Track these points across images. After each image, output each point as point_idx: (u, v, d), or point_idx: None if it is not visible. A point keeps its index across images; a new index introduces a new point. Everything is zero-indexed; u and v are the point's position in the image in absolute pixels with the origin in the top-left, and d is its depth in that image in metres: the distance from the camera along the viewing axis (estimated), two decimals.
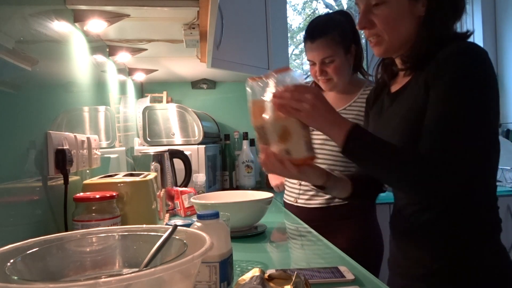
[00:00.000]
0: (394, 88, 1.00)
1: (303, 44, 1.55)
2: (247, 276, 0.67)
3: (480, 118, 0.79)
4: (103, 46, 1.67)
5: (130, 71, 2.20)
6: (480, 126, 0.79)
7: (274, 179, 1.80)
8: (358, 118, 1.42)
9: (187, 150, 1.93)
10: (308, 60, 1.52)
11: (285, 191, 1.66)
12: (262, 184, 2.58)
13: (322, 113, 0.86)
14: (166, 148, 1.84)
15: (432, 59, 0.84)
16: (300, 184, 1.54)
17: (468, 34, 0.89)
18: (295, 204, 1.55)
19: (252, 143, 2.44)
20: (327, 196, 1.47)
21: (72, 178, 1.11)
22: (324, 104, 0.87)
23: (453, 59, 0.80)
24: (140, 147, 2.11)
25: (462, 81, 0.79)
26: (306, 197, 1.52)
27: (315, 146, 1.48)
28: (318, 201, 1.49)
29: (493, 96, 0.83)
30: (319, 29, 1.46)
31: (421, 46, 0.88)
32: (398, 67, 0.99)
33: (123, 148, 1.88)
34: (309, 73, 1.61)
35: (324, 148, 1.47)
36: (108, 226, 0.96)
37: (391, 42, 0.91)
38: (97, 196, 1.00)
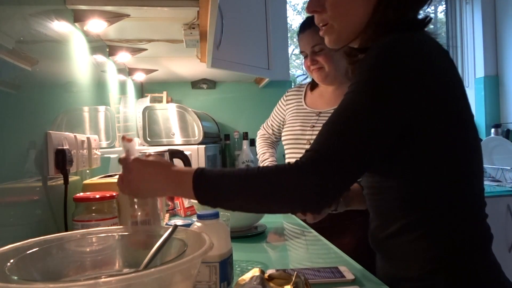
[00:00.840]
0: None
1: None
2: (247, 276, 0.67)
3: (369, 113, 0.66)
4: (103, 46, 1.67)
5: (130, 71, 2.20)
6: (359, 128, 0.66)
7: None
8: None
9: (187, 150, 1.93)
10: (301, 52, 1.54)
11: None
12: None
13: (146, 178, 0.74)
14: (166, 148, 1.84)
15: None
16: None
17: (426, 21, 0.78)
18: None
19: (252, 143, 2.44)
20: None
21: (72, 178, 1.11)
22: (145, 167, 0.76)
23: (367, 56, 0.70)
24: (140, 147, 2.11)
25: (363, 79, 0.68)
26: None
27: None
28: None
29: (393, 97, 0.67)
30: (308, 21, 1.49)
31: (369, 35, 0.77)
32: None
33: None
34: (308, 76, 1.61)
35: None
36: (108, 226, 0.96)
37: (341, 31, 0.80)
38: (97, 196, 1.00)
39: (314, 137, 1.49)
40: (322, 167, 0.65)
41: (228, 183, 0.69)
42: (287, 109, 1.68)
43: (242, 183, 0.69)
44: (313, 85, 1.64)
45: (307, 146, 1.53)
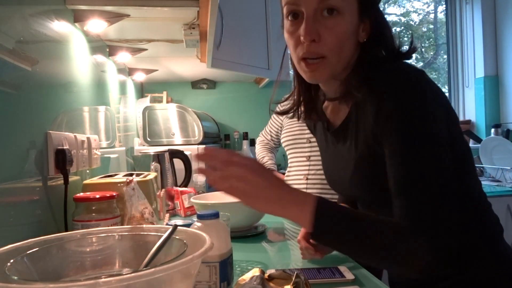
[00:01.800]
0: (333, 119, 0.86)
1: None
2: (247, 276, 0.67)
3: (441, 164, 0.66)
4: (103, 46, 1.67)
5: (130, 71, 2.20)
6: (443, 169, 0.65)
7: None
8: None
9: (187, 150, 1.93)
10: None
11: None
12: None
13: (264, 191, 0.67)
14: (166, 148, 1.84)
15: (367, 86, 0.72)
16: (307, 178, 1.54)
17: (410, 51, 0.77)
18: None
19: (252, 143, 2.44)
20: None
21: (72, 178, 1.11)
22: (265, 178, 0.68)
23: (391, 103, 0.67)
24: (140, 147, 2.11)
25: (408, 131, 0.66)
26: (315, 191, 1.52)
27: (301, 170, 1.50)
28: (329, 196, 1.49)
29: (442, 121, 0.68)
30: None
31: (360, 73, 0.74)
32: (325, 97, 0.86)
33: (123, 148, 1.88)
34: None
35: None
36: (108, 226, 0.96)
37: (335, 66, 0.74)
38: (97, 196, 1.00)
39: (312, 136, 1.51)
40: (435, 235, 0.63)
41: (348, 231, 0.66)
42: (284, 116, 1.70)
43: (361, 239, 0.65)
44: None
45: (306, 145, 1.56)
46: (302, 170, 1.56)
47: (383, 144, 0.70)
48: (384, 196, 0.70)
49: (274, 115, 1.80)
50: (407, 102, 0.67)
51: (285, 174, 1.69)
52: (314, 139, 1.50)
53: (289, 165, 1.66)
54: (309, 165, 1.54)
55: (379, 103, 0.68)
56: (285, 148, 1.67)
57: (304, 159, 1.56)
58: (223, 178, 0.71)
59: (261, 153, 1.85)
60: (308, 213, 0.66)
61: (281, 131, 1.73)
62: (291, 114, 0.93)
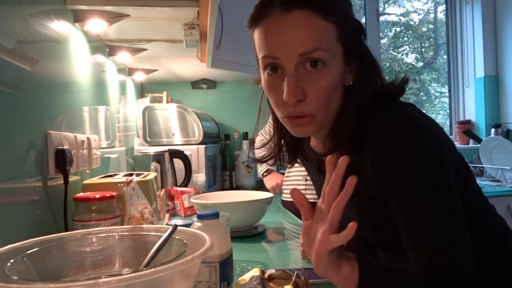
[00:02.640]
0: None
1: None
2: (247, 276, 0.67)
3: (451, 205, 0.64)
4: (103, 46, 1.67)
5: (130, 71, 2.20)
6: (454, 210, 0.64)
7: (270, 181, 1.80)
8: None
9: (187, 150, 1.93)
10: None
11: (286, 190, 1.66)
12: (262, 184, 2.58)
13: (324, 267, 0.62)
14: (166, 148, 1.84)
15: (360, 138, 0.67)
16: (306, 180, 1.54)
17: (402, 85, 0.72)
18: None
19: (252, 143, 2.44)
20: None
21: (72, 178, 1.11)
22: (324, 259, 0.61)
23: (390, 158, 0.64)
24: (140, 147, 2.11)
25: (413, 179, 0.63)
26: (314, 192, 1.52)
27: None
28: None
29: (446, 161, 0.65)
30: None
31: (348, 121, 0.69)
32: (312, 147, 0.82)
33: (123, 148, 1.88)
34: None
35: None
36: (108, 226, 0.96)
37: (324, 120, 0.70)
38: (97, 196, 1.00)
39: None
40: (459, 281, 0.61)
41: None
42: None
43: None
44: None
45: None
46: (301, 171, 1.56)
47: (387, 198, 0.67)
48: (392, 237, 0.68)
49: (269, 122, 1.79)
50: (406, 154, 0.63)
51: (285, 175, 1.69)
52: None
53: (289, 166, 1.66)
54: None
55: (378, 159, 0.65)
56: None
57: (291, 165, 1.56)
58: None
59: (260, 153, 1.85)
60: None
61: None
62: (271, 161, 0.87)
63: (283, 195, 1.68)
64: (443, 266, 0.62)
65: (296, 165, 1.61)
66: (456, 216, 0.63)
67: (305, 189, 1.54)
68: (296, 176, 1.60)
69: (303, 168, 1.59)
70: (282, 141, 0.84)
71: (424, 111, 0.73)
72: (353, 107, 0.69)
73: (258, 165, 1.84)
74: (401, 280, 0.63)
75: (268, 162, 1.80)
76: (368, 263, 0.64)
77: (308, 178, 1.54)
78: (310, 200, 1.70)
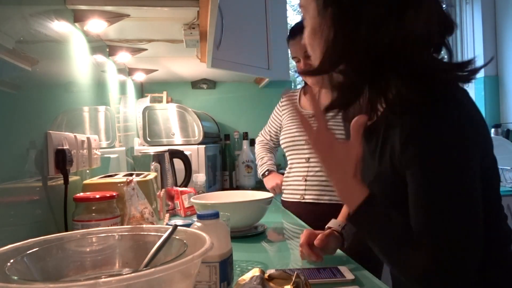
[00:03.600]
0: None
1: None
2: (247, 276, 0.67)
3: (470, 195, 0.64)
4: (103, 46, 1.67)
5: (130, 71, 2.20)
6: (470, 203, 0.64)
7: (269, 181, 1.79)
8: None
9: (187, 150, 1.93)
10: (293, 58, 1.58)
11: (286, 190, 1.66)
12: (262, 184, 2.59)
13: (330, 168, 0.72)
14: (166, 148, 1.84)
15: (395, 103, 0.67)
16: (305, 180, 1.53)
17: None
18: (302, 201, 1.54)
19: (252, 143, 2.44)
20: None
21: (72, 178, 1.11)
22: (330, 156, 0.71)
23: (422, 130, 0.64)
24: (140, 147, 2.11)
25: (436, 157, 0.64)
26: (314, 192, 1.52)
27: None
28: (328, 197, 1.49)
29: (474, 152, 0.66)
30: (298, 27, 1.53)
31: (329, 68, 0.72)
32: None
33: (123, 148, 1.88)
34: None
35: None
36: (108, 226, 0.96)
37: (315, 60, 0.77)
38: (97, 196, 1.00)
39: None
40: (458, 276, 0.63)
41: (378, 235, 0.69)
42: (283, 114, 1.72)
43: (387, 247, 0.68)
44: (305, 90, 1.66)
45: (305, 146, 1.55)
46: (301, 172, 1.55)
47: (406, 172, 0.67)
48: (400, 206, 0.69)
49: (273, 115, 1.80)
50: (438, 133, 0.63)
51: (284, 175, 1.69)
52: None
53: (288, 165, 1.66)
54: (308, 167, 1.53)
55: (407, 130, 0.65)
56: (284, 150, 1.66)
57: (303, 160, 1.55)
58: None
59: (260, 153, 1.85)
60: (352, 205, 0.69)
61: (280, 131, 1.73)
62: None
63: (283, 195, 1.68)
64: (445, 260, 0.62)
65: (296, 166, 1.61)
66: (473, 207, 0.63)
67: (305, 189, 1.54)
68: (295, 177, 1.59)
69: (303, 169, 1.60)
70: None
71: None
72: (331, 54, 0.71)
73: (258, 166, 1.84)
74: (395, 237, 0.66)
75: (268, 161, 1.80)
76: (375, 200, 0.69)
77: (308, 178, 1.54)
78: (309, 201, 1.71)
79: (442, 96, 0.65)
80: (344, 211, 1.05)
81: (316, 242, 0.89)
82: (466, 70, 0.69)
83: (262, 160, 1.81)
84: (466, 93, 0.70)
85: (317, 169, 1.50)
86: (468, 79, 0.70)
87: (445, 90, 0.66)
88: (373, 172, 0.76)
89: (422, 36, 0.68)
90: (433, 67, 0.69)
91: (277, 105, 1.79)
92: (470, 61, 0.70)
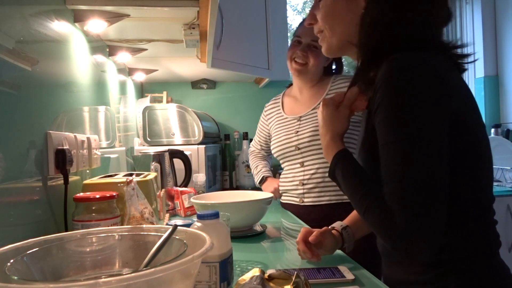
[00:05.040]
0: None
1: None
2: (247, 276, 0.67)
3: (433, 154, 0.65)
4: (103, 46, 1.67)
5: (130, 71, 2.20)
6: (435, 162, 0.65)
7: (267, 187, 1.78)
8: None
9: (187, 150, 1.93)
10: (295, 37, 1.56)
11: (284, 194, 1.65)
12: None
13: (322, 126, 0.86)
14: (166, 148, 1.84)
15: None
16: (303, 184, 1.53)
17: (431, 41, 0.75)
18: (301, 204, 1.54)
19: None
20: (336, 192, 1.46)
21: (72, 178, 1.11)
22: (324, 119, 0.86)
23: (385, 85, 0.68)
24: (140, 147, 2.12)
25: (398, 117, 0.67)
26: (313, 195, 1.51)
27: (305, 143, 1.51)
28: (327, 197, 1.48)
29: (440, 113, 0.67)
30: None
31: (361, 52, 0.78)
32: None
33: (123, 148, 1.88)
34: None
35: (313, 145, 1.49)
36: (108, 226, 0.96)
37: (330, 41, 0.84)
38: (97, 196, 1.00)
39: (300, 141, 1.52)
40: (420, 232, 0.64)
41: (348, 186, 0.77)
42: (269, 123, 1.72)
43: (355, 196, 0.74)
44: (286, 93, 1.71)
45: (296, 152, 1.55)
46: (297, 177, 1.54)
47: (375, 121, 0.71)
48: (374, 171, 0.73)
49: (260, 125, 1.80)
50: (397, 95, 0.67)
51: (281, 179, 1.67)
52: (303, 145, 1.51)
53: (283, 172, 1.64)
54: (304, 171, 1.53)
55: (376, 93, 0.70)
56: (277, 159, 1.65)
57: (298, 165, 1.54)
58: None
59: (254, 162, 1.84)
60: (330, 159, 0.83)
61: (269, 139, 1.72)
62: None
63: (282, 198, 1.68)
64: (411, 202, 0.64)
65: (290, 172, 1.60)
66: (439, 168, 0.65)
67: (303, 193, 1.53)
68: (292, 182, 1.58)
69: (299, 174, 1.59)
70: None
71: None
72: (361, 37, 0.77)
73: (254, 175, 1.83)
74: (362, 185, 0.73)
75: (262, 168, 1.80)
76: (348, 154, 0.80)
77: (305, 182, 1.53)
78: (308, 204, 1.70)
79: (413, 59, 0.68)
80: (350, 215, 1.04)
81: (310, 238, 0.90)
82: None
83: (257, 169, 1.81)
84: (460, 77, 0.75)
85: (312, 171, 1.50)
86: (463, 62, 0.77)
87: (418, 54, 0.70)
88: (360, 140, 0.81)
89: (444, 17, 0.78)
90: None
91: (262, 115, 1.79)
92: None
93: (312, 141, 1.48)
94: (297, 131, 1.54)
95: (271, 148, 1.65)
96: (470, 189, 0.72)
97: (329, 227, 0.99)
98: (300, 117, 1.56)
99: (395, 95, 0.67)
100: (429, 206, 0.63)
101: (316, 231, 0.92)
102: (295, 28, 1.63)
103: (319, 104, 1.51)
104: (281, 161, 1.63)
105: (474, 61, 0.79)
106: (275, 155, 1.64)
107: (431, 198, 0.64)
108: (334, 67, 1.64)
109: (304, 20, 1.55)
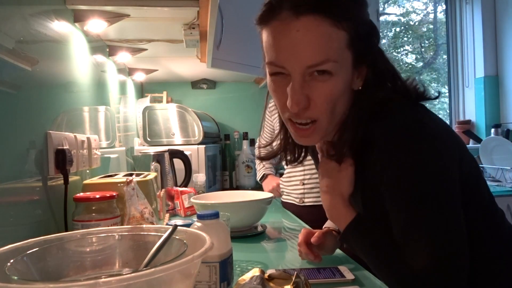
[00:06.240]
0: None
1: None
2: (247, 276, 0.67)
3: (450, 215, 0.63)
4: (103, 46, 1.67)
5: (130, 71, 2.20)
6: (452, 219, 0.63)
7: (267, 185, 1.78)
8: None
9: (187, 150, 1.93)
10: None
11: (285, 193, 1.65)
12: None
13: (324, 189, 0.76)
14: (166, 148, 1.84)
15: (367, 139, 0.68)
16: (303, 184, 1.53)
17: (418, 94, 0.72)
18: (301, 204, 1.54)
19: (252, 143, 2.44)
20: None
21: (72, 178, 1.11)
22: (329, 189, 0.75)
23: (389, 146, 0.65)
24: (140, 147, 2.11)
25: (411, 179, 0.64)
26: (313, 195, 1.51)
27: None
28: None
29: (448, 171, 0.65)
30: None
31: (353, 130, 0.70)
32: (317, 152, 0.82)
33: (123, 148, 1.88)
34: None
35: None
36: (108, 226, 0.96)
37: (328, 127, 0.70)
38: (97, 196, 1.00)
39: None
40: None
41: (370, 254, 0.70)
42: (273, 119, 1.71)
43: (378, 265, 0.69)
44: None
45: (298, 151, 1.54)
46: (298, 176, 1.55)
47: (385, 201, 0.67)
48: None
49: (266, 120, 1.80)
50: (407, 160, 0.63)
51: (282, 179, 1.67)
52: None
53: (285, 171, 1.65)
54: (304, 170, 1.53)
55: (380, 162, 0.66)
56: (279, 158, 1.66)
57: (299, 164, 1.55)
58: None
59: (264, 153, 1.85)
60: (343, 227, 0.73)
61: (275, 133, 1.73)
62: (277, 158, 0.91)
63: (283, 197, 1.68)
64: (434, 274, 0.61)
65: (291, 171, 1.60)
66: (455, 224, 0.62)
67: (304, 193, 1.53)
68: (293, 181, 1.58)
69: (299, 173, 1.59)
70: (290, 139, 0.82)
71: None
72: (359, 113, 0.69)
73: (257, 170, 1.84)
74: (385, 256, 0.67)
75: (265, 165, 1.80)
76: (364, 222, 0.72)
77: (305, 182, 1.53)
78: (309, 204, 1.71)
79: (404, 121, 0.65)
80: None
81: (312, 239, 0.89)
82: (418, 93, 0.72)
83: (259, 166, 1.81)
84: (425, 108, 0.71)
85: (313, 171, 1.50)
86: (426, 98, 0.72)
87: (407, 112, 0.67)
88: (360, 203, 0.75)
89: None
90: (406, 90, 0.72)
91: (267, 111, 1.80)
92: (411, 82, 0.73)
93: None
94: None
95: (274, 144, 1.66)
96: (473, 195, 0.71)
97: (323, 226, 0.99)
98: None
99: (403, 156, 0.64)
100: (458, 265, 0.62)
101: (318, 232, 0.91)
102: None
103: None
104: (283, 162, 1.63)
105: (437, 97, 0.74)
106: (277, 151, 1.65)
107: (458, 257, 0.62)
108: None
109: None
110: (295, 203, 1.57)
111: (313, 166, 1.50)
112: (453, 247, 0.62)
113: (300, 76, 0.65)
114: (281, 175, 1.78)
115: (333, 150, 0.73)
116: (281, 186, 1.66)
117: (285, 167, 1.64)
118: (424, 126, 0.65)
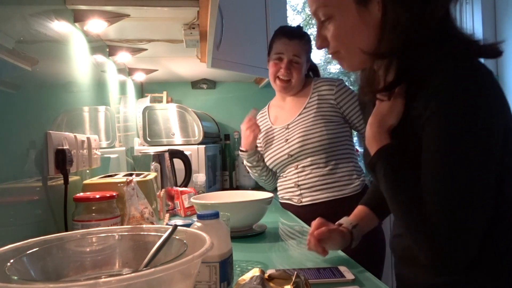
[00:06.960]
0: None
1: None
2: (247, 276, 0.67)
3: (483, 171, 0.66)
4: (103, 46, 1.67)
5: (130, 71, 2.20)
6: (483, 178, 0.66)
7: (244, 137, 1.75)
8: (319, 111, 1.51)
9: (187, 150, 1.93)
10: (277, 54, 1.56)
11: (283, 192, 1.65)
12: None
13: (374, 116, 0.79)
14: (166, 148, 1.84)
15: (423, 74, 0.70)
16: (298, 186, 1.54)
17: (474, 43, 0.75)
18: (299, 204, 1.54)
19: None
20: (332, 189, 1.48)
21: (72, 178, 1.11)
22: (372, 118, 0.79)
23: (444, 94, 0.67)
24: (140, 147, 2.12)
25: (455, 128, 0.67)
26: (310, 194, 1.52)
27: (295, 144, 1.51)
28: (325, 194, 1.49)
29: (495, 126, 0.67)
30: (297, 32, 1.58)
31: (392, 60, 0.75)
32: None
33: (123, 148, 1.88)
34: None
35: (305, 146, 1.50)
36: (108, 226, 0.96)
37: (351, 61, 0.81)
38: (97, 196, 1.00)
39: (291, 148, 1.53)
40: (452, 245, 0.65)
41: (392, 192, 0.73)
42: (260, 136, 1.70)
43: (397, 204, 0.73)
44: (271, 104, 1.73)
45: (289, 159, 1.55)
46: (293, 179, 1.55)
47: (424, 137, 0.69)
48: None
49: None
50: (463, 113, 0.66)
51: (278, 184, 1.67)
52: (294, 151, 1.52)
53: (280, 176, 1.65)
54: (298, 173, 1.54)
55: (429, 101, 0.68)
56: (273, 170, 1.66)
57: (293, 169, 1.55)
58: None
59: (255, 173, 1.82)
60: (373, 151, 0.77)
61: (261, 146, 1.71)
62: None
63: (281, 196, 1.68)
64: (441, 234, 0.65)
65: (286, 175, 1.60)
66: (482, 184, 0.65)
67: (300, 194, 1.54)
68: (288, 185, 1.58)
69: (293, 176, 1.59)
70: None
71: None
72: (384, 44, 0.74)
73: (250, 173, 1.81)
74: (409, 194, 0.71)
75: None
76: (393, 152, 0.74)
77: (300, 183, 1.54)
78: (307, 203, 1.70)
79: (469, 70, 0.68)
80: (356, 211, 1.04)
81: (316, 232, 0.90)
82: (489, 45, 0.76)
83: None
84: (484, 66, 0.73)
85: (306, 172, 1.51)
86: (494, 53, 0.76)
87: (473, 64, 0.70)
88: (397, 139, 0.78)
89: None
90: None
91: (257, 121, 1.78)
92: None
93: (303, 145, 1.50)
94: (287, 139, 1.56)
95: (265, 159, 1.66)
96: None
97: (337, 223, 0.99)
98: (288, 125, 1.58)
99: (453, 106, 0.66)
100: (470, 221, 0.65)
101: (325, 228, 0.91)
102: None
103: (304, 109, 1.55)
104: (277, 171, 1.64)
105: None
106: (270, 166, 1.65)
107: (472, 213, 0.65)
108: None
109: (287, 33, 1.55)
110: (293, 203, 1.57)
111: (307, 168, 1.51)
112: (468, 215, 0.65)
113: (318, 23, 0.82)
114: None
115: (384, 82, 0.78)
116: (278, 189, 1.67)
117: (279, 175, 1.64)
118: (485, 82, 0.69)
